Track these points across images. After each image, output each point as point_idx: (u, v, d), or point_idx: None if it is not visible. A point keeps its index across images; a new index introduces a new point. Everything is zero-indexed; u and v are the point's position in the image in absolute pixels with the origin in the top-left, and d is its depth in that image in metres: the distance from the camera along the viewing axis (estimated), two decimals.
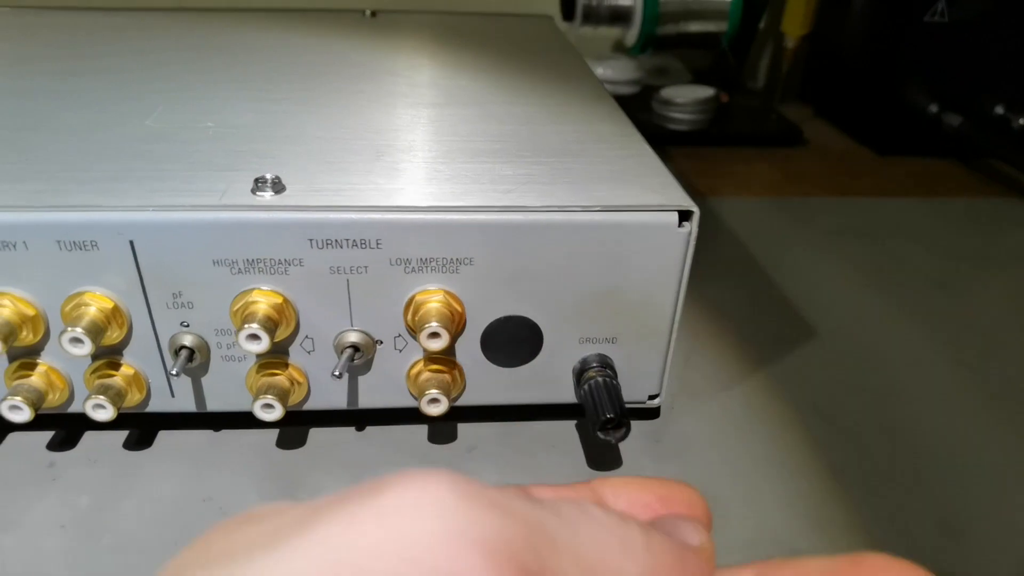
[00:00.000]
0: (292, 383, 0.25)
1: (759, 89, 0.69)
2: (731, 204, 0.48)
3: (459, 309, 0.24)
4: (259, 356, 0.25)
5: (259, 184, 0.23)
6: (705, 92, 0.56)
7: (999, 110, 0.54)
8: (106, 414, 0.24)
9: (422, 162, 0.26)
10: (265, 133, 0.28)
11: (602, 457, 0.27)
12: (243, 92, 0.33)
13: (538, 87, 0.36)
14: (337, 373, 0.23)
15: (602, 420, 0.24)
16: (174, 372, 0.24)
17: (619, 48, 0.66)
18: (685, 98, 0.55)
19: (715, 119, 0.58)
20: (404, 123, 0.30)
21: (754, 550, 0.24)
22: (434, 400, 0.25)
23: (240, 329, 0.22)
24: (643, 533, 0.13)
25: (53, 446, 0.27)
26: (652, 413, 0.29)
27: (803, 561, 0.14)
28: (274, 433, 0.28)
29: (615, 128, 0.30)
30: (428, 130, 0.29)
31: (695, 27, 0.58)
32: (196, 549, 0.11)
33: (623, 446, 0.28)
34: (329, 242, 0.23)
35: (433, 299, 0.24)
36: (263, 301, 0.23)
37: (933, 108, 0.55)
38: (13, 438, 0.27)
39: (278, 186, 0.23)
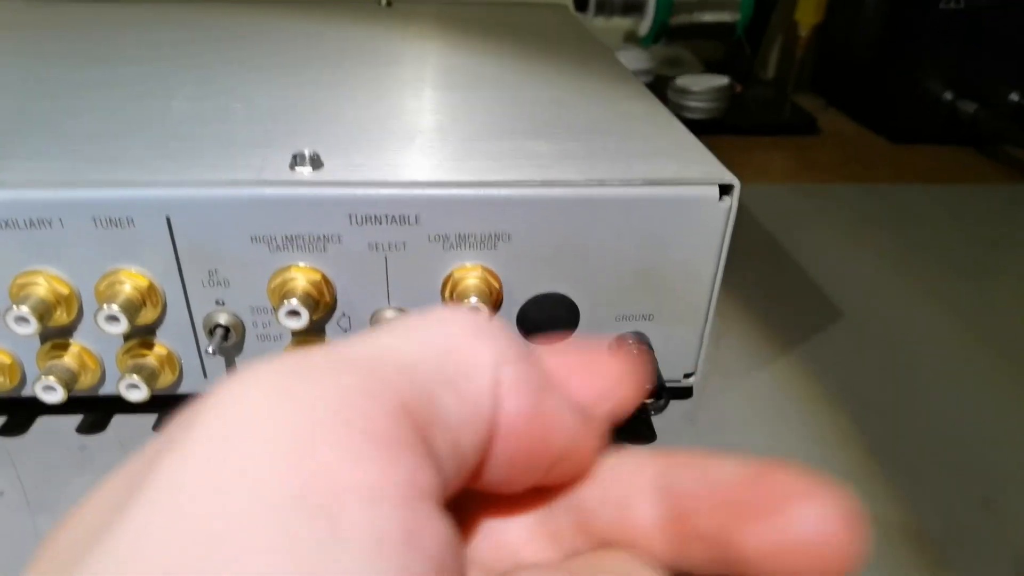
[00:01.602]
0: None
1: (771, 79, 0.68)
2: (750, 192, 0.48)
3: (496, 285, 0.24)
4: (295, 334, 0.24)
5: (297, 160, 0.23)
6: (720, 81, 0.56)
7: (1014, 97, 0.54)
8: (140, 394, 0.24)
9: (458, 140, 0.26)
10: (297, 114, 0.28)
11: (637, 433, 0.27)
12: (268, 77, 0.33)
13: (564, 70, 0.36)
14: None
15: None
16: (210, 351, 0.23)
17: (630, 39, 0.66)
18: (701, 87, 0.55)
19: (730, 108, 0.58)
20: (436, 105, 0.30)
21: None
22: None
23: (279, 306, 0.22)
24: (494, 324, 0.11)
25: (83, 429, 0.27)
26: (686, 393, 0.29)
27: (708, 456, 0.12)
28: None
29: (645, 107, 0.30)
30: (460, 111, 0.29)
31: (708, 17, 0.58)
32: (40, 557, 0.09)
33: (658, 426, 0.28)
34: (368, 218, 0.23)
35: (471, 275, 0.24)
36: (302, 277, 0.23)
37: (948, 95, 0.55)
38: (43, 422, 0.27)
39: (316, 162, 0.23)
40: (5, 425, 0.27)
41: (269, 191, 0.22)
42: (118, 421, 0.27)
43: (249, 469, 0.08)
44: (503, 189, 0.23)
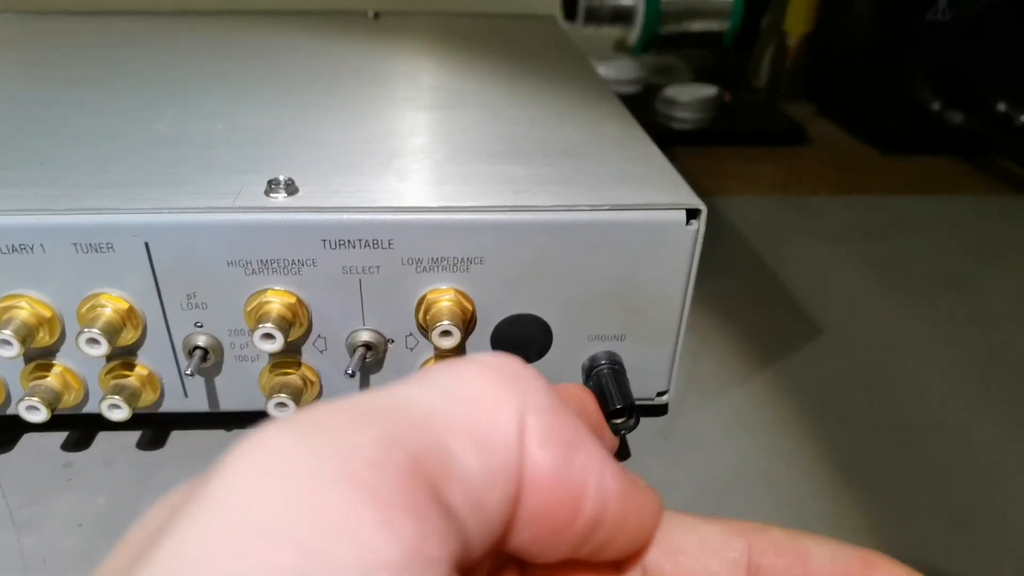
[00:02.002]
0: (305, 382, 0.25)
1: (761, 88, 0.69)
2: (736, 203, 0.48)
3: (470, 308, 0.24)
4: (272, 356, 0.25)
5: (272, 186, 0.23)
6: (708, 91, 0.56)
7: (1001, 107, 0.54)
8: (121, 414, 0.25)
9: (434, 163, 0.26)
10: (276, 136, 0.28)
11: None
12: (252, 96, 0.33)
13: (545, 88, 0.36)
14: (351, 372, 0.24)
15: (611, 411, 0.24)
16: (188, 372, 0.24)
17: (620, 48, 0.66)
18: (688, 97, 0.55)
19: (718, 118, 0.58)
20: (415, 126, 0.30)
21: None
22: None
23: (254, 329, 0.23)
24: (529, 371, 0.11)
25: (68, 446, 0.27)
26: (660, 410, 0.29)
27: (803, 540, 0.12)
28: None
29: (622, 129, 0.30)
30: (439, 132, 0.30)
31: (697, 26, 0.58)
32: None
33: (632, 444, 0.28)
34: (342, 242, 0.23)
35: (444, 298, 0.24)
36: (277, 301, 0.23)
37: (936, 105, 0.55)
38: (28, 439, 0.28)
39: (291, 188, 0.23)
40: None
41: (244, 217, 0.23)
42: (102, 438, 0.28)
43: (248, 539, 0.08)
44: (474, 214, 0.23)
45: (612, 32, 0.62)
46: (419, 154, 0.27)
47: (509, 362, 0.11)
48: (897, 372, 0.33)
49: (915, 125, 0.57)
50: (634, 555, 0.12)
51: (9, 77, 0.36)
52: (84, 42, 0.42)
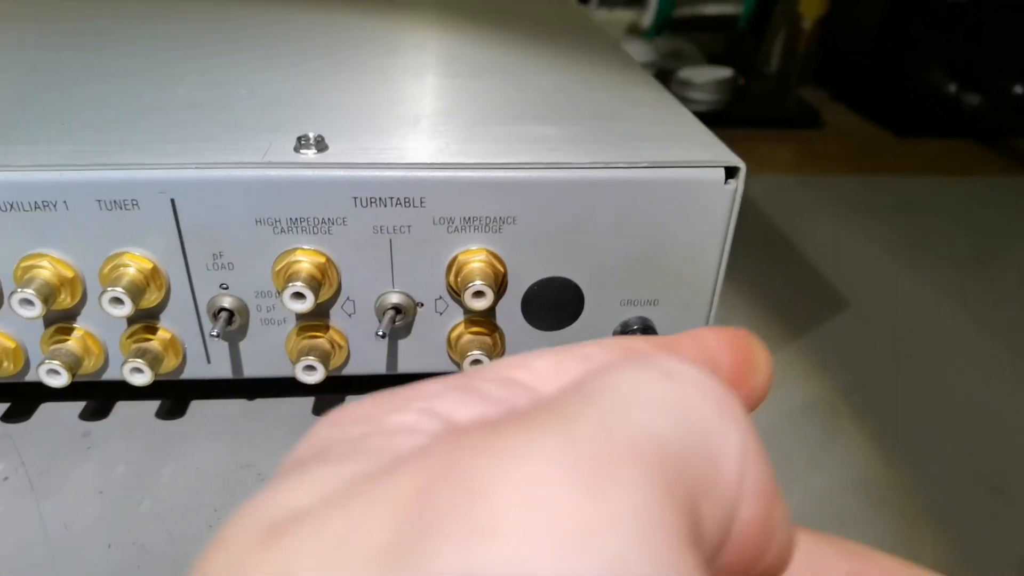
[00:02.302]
0: (333, 345, 0.25)
1: (774, 72, 0.68)
2: (753, 183, 0.48)
3: (502, 270, 0.24)
4: (300, 318, 0.24)
5: (302, 142, 0.23)
6: (724, 73, 0.56)
7: (1018, 89, 0.54)
8: (143, 378, 0.24)
9: (462, 125, 0.26)
10: (301, 99, 0.28)
11: None
12: (272, 65, 0.33)
13: (568, 58, 0.35)
14: (381, 333, 0.23)
15: None
16: (214, 333, 0.23)
17: (633, 31, 0.65)
18: (704, 79, 0.55)
19: (732, 101, 0.58)
20: (438, 91, 0.30)
21: (800, 521, 0.24)
22: (477, 362, 0.24)
23: (283, 288, 0.22)
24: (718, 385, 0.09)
25: (86, 416, 0.27)
26: None
27: (915, 573, 0.11)
28: (310, 402, 0.27)
29: (651, 93, 0.30)
30: (463, 97, 0.29)
31: (711, 9, 0.58)
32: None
33: None
34: (373, 200, 0.22)
35: (476, 259, 0.24)
36: (306, 260, 0.23)
37: (952, 88, 0.55)
38: (46, 408, 0.27)
39: (321, 145, 0.23)
40: (8, 411, 0.27)
41: (274, 173, 0.22)
42: (121, 407, 0.27)
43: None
44: (508, 171, 0.23)
45: (625, 15, 0.61)
46: (445, 116, 0.27)
47: (720, 385, 0.09)
48: (923, 344, 0.33)
49: (930, 107, 0.56)
50: None
51: (24, 46, 0.35)
52: (101, 12, 0.41)
